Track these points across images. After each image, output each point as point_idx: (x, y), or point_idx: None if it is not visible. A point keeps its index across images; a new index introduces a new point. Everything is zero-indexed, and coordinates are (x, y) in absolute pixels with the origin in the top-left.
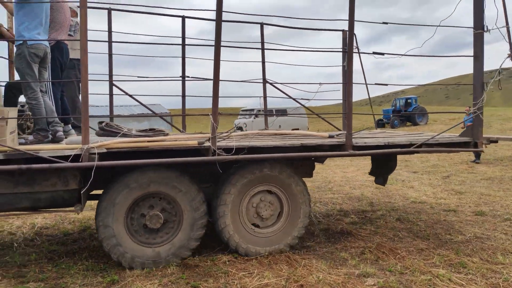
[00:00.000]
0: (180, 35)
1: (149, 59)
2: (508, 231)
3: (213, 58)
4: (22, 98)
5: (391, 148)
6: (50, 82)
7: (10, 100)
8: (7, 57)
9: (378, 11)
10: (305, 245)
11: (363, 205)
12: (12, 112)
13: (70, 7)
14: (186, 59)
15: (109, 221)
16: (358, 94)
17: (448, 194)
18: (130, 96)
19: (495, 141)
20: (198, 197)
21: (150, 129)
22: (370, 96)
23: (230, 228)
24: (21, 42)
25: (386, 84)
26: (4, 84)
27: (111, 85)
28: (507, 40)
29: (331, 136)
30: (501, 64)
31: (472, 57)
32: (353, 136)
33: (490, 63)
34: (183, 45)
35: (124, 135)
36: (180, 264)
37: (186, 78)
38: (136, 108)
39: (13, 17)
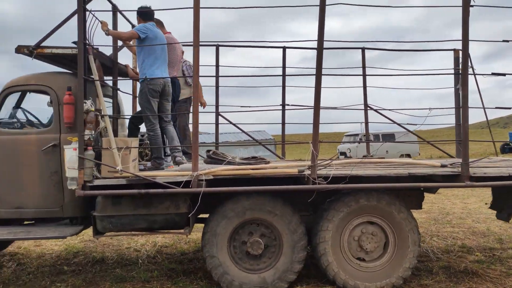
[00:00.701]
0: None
1: (254, 88)
2: None
3: (313, 85)
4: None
5: None
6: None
7: (133, 131)
8: (131, 93)
9: (500, 24)
10: (423, 283)
11: (490, 242)
12: (135, 142)
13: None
14: (287, 87)
15: (214, 252)
16: (475, 116)
17: None
18: (234, 124)
19: None
20: (294, 219)
21: (252, 157)
22: (491, 118)
23: (334, 265)
24: (142, 79)
25: (509, 108)
26: (128, 117)
27: (217, 115)
28: None
29: (443, 166)
30: None
31: None
32: (470, 166)
33: None
34: (284, 75)
35: (229, 163)
36: None
37: (286, 106)
38: (243, 134)
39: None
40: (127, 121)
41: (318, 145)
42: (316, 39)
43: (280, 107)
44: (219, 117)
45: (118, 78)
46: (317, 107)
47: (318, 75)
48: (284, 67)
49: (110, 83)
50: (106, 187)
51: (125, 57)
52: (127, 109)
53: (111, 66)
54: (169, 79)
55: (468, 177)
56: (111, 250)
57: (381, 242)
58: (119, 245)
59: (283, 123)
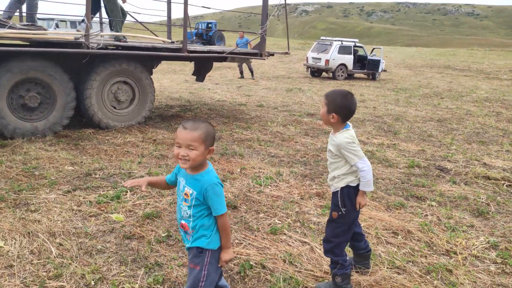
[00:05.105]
0: None
1: None
2: (274, 113)
3: None
4: None
5: (213, 54)
6: None
7: None
8: None
9: None
10: (149, 123)
11: (183, 102)
12: None
13: None
14: None
15: None
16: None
17: (241, 96)
18: None
19: (272, 54)
20: (69, 85)
21: (32, 24)
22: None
23: (95, 107)
24: None
25: None
26: None
27: None
28: None
29: (172, 42)
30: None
31: None
32: (188, 45)
33: None
34: None
35: (11, 27)
36: (55, 136)
37: None
38: None
39: None
40: None
41: (90, 18)
42: None
43: None
44: None
45: None
46: None
47: None
48: None
49: None
50: None
51: None
52: None
53: None
54: None
55: (186, 50)
56: None
57: (130, 97)
58: None
59: None
